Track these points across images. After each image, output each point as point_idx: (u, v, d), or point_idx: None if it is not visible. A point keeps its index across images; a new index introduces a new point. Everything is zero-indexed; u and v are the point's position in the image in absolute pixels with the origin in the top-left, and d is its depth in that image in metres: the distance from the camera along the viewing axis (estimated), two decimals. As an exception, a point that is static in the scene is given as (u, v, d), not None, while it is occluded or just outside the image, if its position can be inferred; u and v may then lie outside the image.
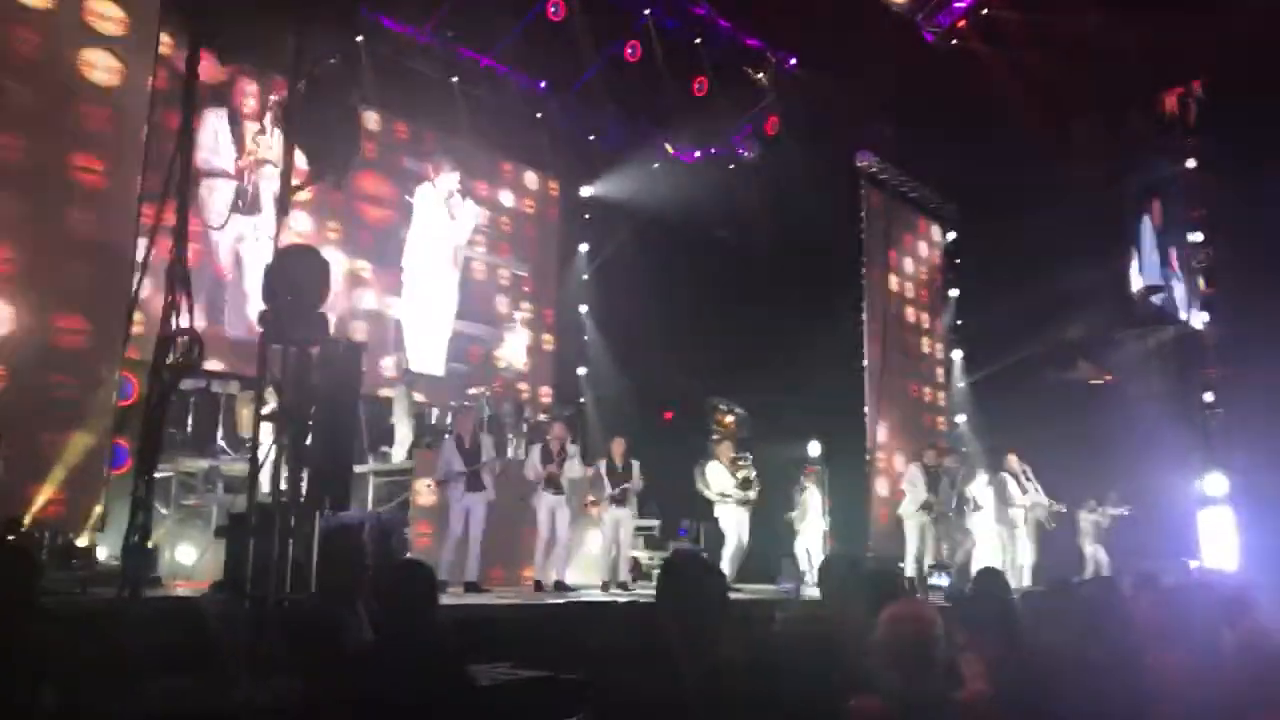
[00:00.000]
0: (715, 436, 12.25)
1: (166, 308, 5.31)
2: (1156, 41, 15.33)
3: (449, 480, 9.55)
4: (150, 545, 6.36)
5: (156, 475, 5.85)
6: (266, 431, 6.22)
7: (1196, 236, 17.48)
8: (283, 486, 5.95)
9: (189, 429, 10.31)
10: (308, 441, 5.95)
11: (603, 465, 10.70)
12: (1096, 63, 15.42)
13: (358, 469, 9.44)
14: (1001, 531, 12.83)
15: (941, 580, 11.09)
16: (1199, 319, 17.16)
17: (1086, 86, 15.79)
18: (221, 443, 10.34)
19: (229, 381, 10.70)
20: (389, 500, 10.84)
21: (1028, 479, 13.25)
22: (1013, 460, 13.17)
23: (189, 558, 8.84)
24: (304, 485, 5.91)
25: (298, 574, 5.78)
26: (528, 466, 10.36)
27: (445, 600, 8.38)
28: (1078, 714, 3.36)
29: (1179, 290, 17.44)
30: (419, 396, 12.27)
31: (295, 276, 5.82)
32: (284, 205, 6.40)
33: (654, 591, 3.21)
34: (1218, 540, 14.99)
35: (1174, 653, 4.15)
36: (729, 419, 12.84)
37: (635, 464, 10.75)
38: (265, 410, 6.20)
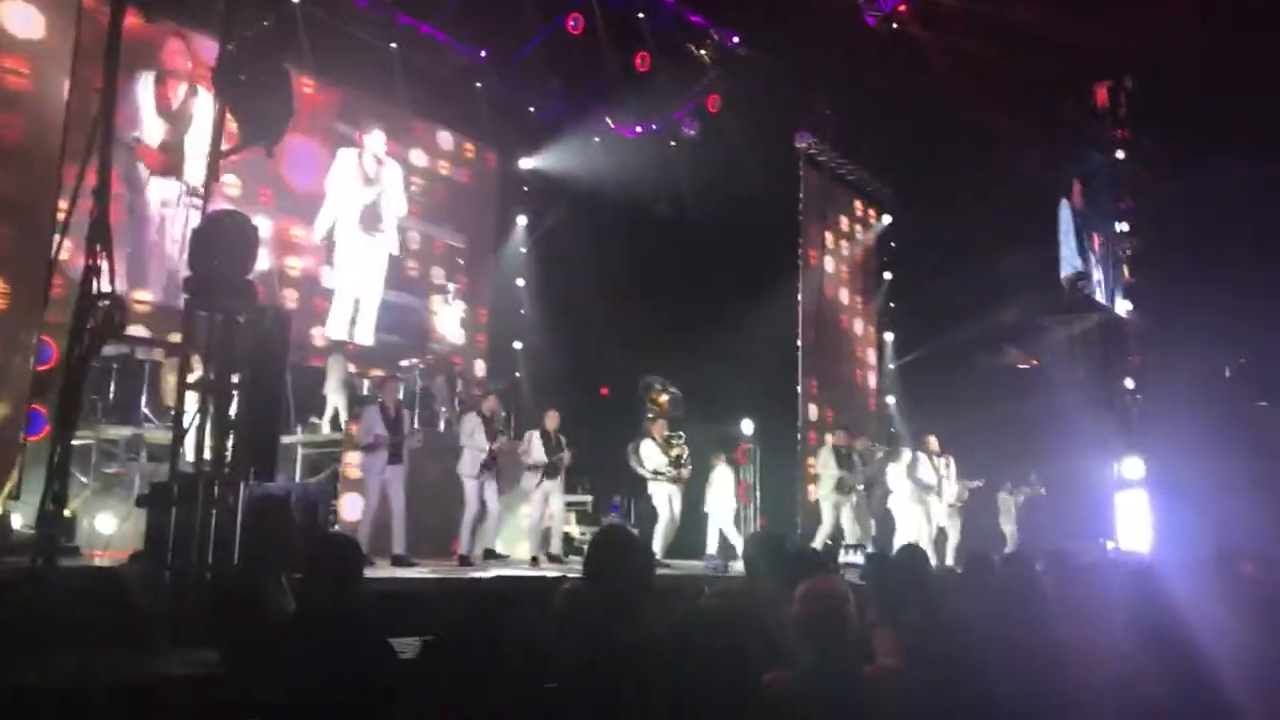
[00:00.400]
0: (650, 414, 12.28)
1: (87, 271, 5.17)
2: (1090, 34, 15.65)
3: (374, 449, 9.41)
4: (67, 513, 6.22)
5: (76, 443, 5.72)
6: (191, 400, 6.10)
7: (1123, 226, 17.94)
8: (207, 456, 5.85)
9: (111, 396, 10.04)
10: (233, 411, 5.86)
11: (536, 435, 10.68)
12: (1032, 53, 15.67)
13: (285, 439, 9.33)
14: (920, 511, 13.09)
15: (857, 558, 11.32)
16: (1123, 307, 17.64)
17: (1022, 76, 16.05)
18: (145, 410, 10.10)
19: (153, 348, 10.43)
20: (317, 471, 10.73)
21: (941, 459, 13.51)
22: (932, 441, 13.44)
23: (109, 527, 8.63)
24: (229, 455, 5.82)
25: (221, 545, 5.70)
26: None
27: (371, 573, 8.38)
28: (988, 687, 3.46)
29: (1101, 278, 17.89)
30: (351, 367, 12.14)
31: (222, 242, 5.70)
32: (213, 169, 6.25)
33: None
34: (1133, 522, 15.50)
35: (1082, 628, 4.31)
36: (664, 398, 12.86)
37: (562, 438, 10.80)
38: (190, 378, 6.09)
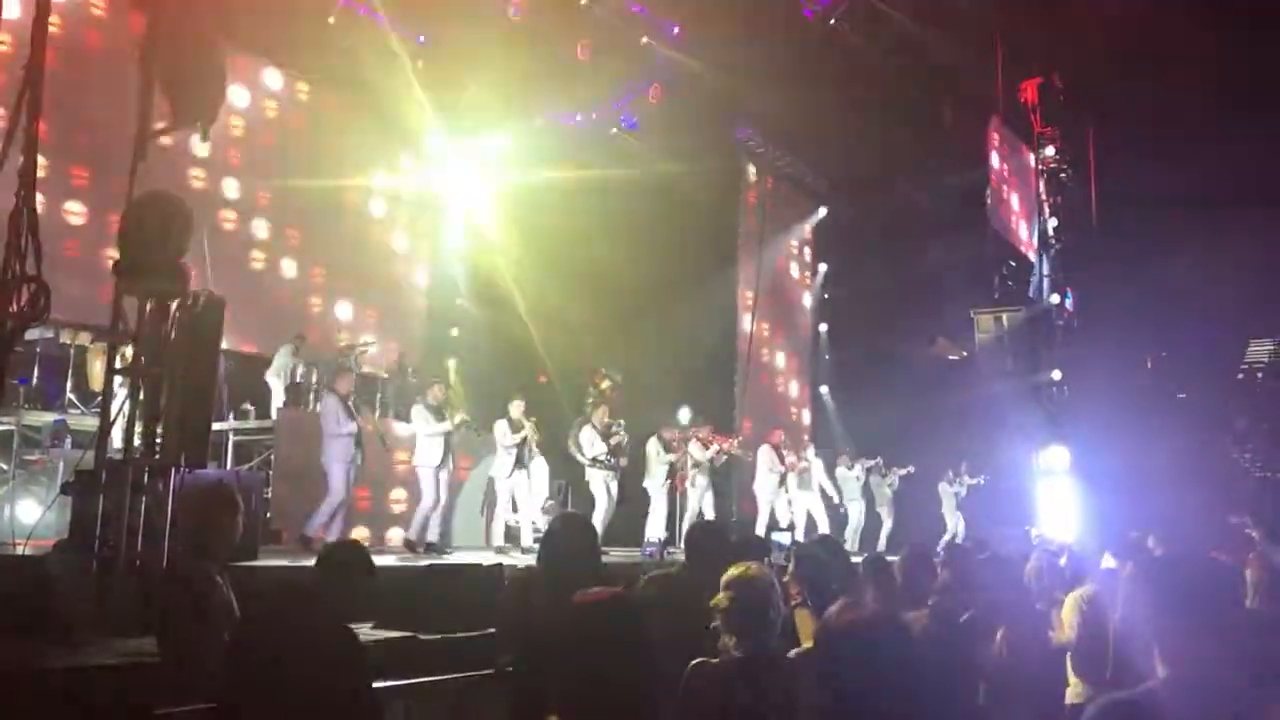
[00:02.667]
0: (590, 400, 12.30)
1: (9, 253, 5.03)
2: (1021, 34, 16.01)
3: (337, 438, 9.26)
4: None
5: (-2, 429, 5.57)
6: (120, 386, 5.98)
7: (1051, 221, 18.40)
8: (136, 443, 5.73)
9: (34, 381, 9.79)
10: (163, 398, 5.75)
11: (504, 425, 10.59)
12: (965, 49, 15.99)
13: (217, 426, 9.16)
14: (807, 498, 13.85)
15: (784, 538, 11.45)
16: (1051, 300, 18.09)
17: (955, 71, 16.37)
18: (71, 396, 9.87)
19: (79, 332, 10.18)
20: (247, 459, 10.57)
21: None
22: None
23: (31, 516, 8.43)
24: (159, 442, 5.71)
25: (150, 533, 5.60)
26: (500, 434, 10.38)
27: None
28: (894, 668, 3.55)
29: (1032, 271, 18.32)
30: (285, 356, 11.89)
31: (153, 225, 5.58)
32: (141, 150, 6.10)
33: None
34: (1057, 509, 15.94)
35: (1006, 613, 4.46)
36: (605, 384, 12.92)
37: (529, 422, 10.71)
38: (119, 364, 5.96)
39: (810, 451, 14.55)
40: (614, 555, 10.44)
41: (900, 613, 3.61)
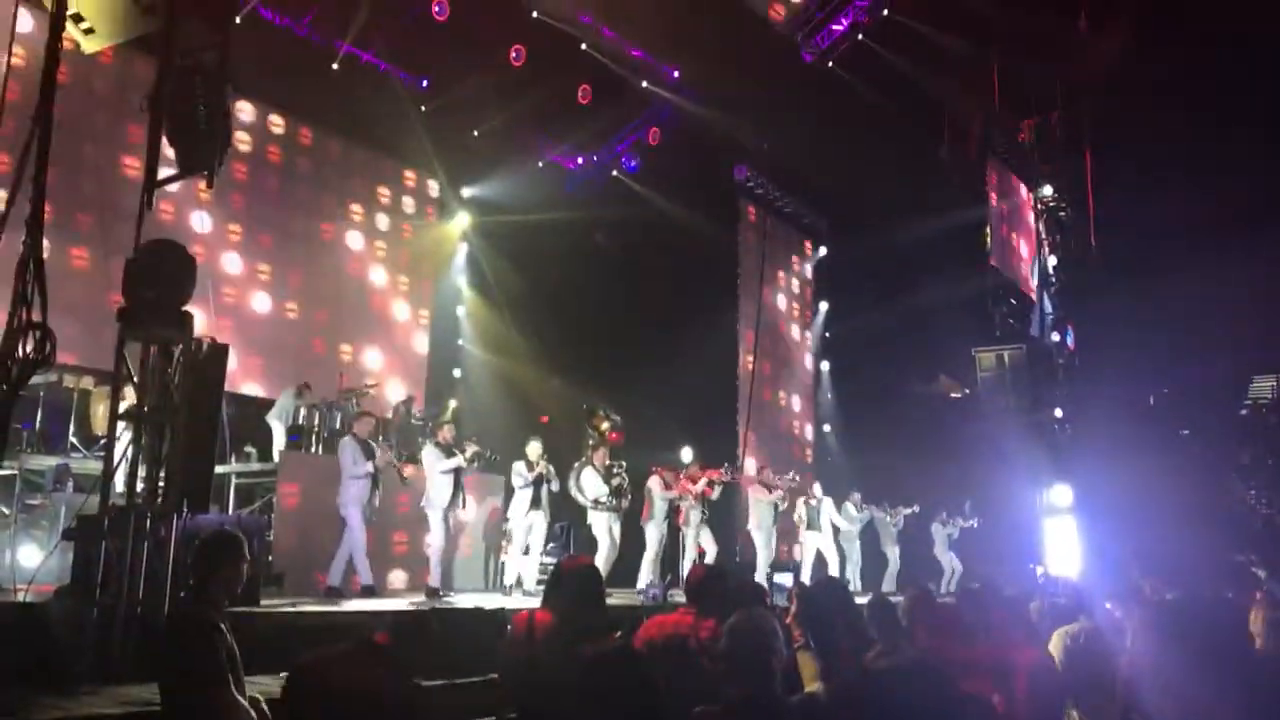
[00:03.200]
0: (591, 441, 12.25)
1: (16, 299, 5.07)
2: (1017, 76, 16.18)
3: (354, 480, 9.26)
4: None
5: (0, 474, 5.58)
6: (123, 430, 5.99)
7: (1051, 259, 18.47)
8: (139, 488, 5.74)
9: (37, 425, 9.79)
10: (167, 442, 5.77)
11: (521, 466, 10.61)
12: (963, 90, 16.16)
13: (218, 469, 9.15)
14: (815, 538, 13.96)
15: (786, 579, 11.35)
16: (1052, 337, 18.12)
17: (953, 112, 16.53)
18: (73, 440, 9.86)
19: (83, 375, 10.20)
20: (249, 502, 10.54)
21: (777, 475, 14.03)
22: (763, 472, 13.85)
23: (32, 560, 8.40)
24: (161, 487, 5.72)
25: (151, 579, 5.60)
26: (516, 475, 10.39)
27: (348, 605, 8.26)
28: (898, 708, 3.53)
29: (1033, 309, 18.36)
30: (287, 399, 11.88)
31: (158, 272, 5.63)
32: (148, 199, 6.17)
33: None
34: (1062, 548, 15.86)
35: (1015, 651, 4.44)
36: (605, 425, 12.88)
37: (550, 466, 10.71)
38: (122, 408, 5.98)
39: (818, 488, 14.49)
40: (613, 598, 10.39)
41: (937, 657, 3.60)
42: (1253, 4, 14.60)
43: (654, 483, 11.77)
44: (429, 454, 10.01)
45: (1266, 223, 14.89)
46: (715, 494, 12.41)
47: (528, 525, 10.49)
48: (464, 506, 10.23)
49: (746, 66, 14.80)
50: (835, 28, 16.23)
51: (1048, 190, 18.33)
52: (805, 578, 12.70)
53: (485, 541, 11.85)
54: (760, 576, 12.47)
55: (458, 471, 9.97)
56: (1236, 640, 4.47)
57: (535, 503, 10.49)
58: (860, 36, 16.21)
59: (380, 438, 12.09)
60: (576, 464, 11.39)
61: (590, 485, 11.14)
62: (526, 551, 10.61)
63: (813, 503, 14.10)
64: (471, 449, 10.27)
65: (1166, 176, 15.45)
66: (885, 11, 15.91)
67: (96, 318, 10.73)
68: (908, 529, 15.50)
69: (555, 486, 10.71)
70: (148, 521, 5.54)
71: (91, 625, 5.37)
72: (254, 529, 8.29)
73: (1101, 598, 7.19)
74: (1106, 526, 14.89)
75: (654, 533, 11.68)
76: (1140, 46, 15.52)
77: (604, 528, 11.05)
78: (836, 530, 14.39)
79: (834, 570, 13.90)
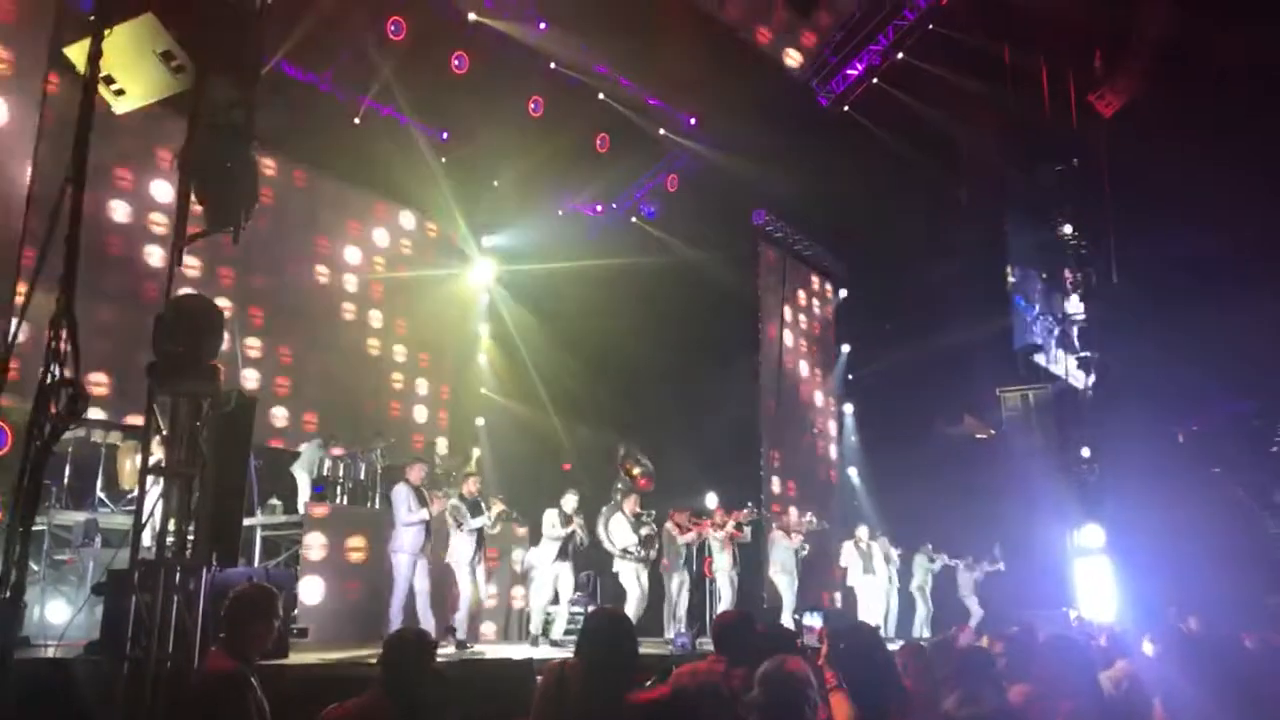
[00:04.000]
0: (620, 486, 12.11)
1: (49, 354, 5.10)
2: (1034, 115, 16.22)
3: (408, 527, 9.26)
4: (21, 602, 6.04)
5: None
6: (151, 484, 5.99)
7: (1074, 298, 18.36)
8: (168, 541, 5.73)
9: (65, 479, 9.84)
10: (195, 495, 5.77)
11: (555, 517, 10.49)
12: (980, 132, 16.21)
13: (245, 522, 9.15)
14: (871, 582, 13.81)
15: (815, 620, 11.19)
16: (1077, 377, 17.97)
17: (970, 152, 16.57)
18: (101, 495, 9.90)
19: (110, 430, 10.27)
20: (275, 553, 10.53)
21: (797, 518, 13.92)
22: (783, 518, 13.73)
23: (60, 616, 8.40)
24: (189, 541, 5.71)
25: (181, 633, 5.57)
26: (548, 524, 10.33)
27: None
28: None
29: (1057, 349, 18.24)
30: (312, 451, 11.89)
31: (188, 326, 5.66)
32: (177, 254, 6.22)
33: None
34: (1095, 589, 15.60)
35: (1056, 700, 4.34)
36: (637, 470, 12.73)
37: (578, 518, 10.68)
38: (151, 462, 5.99)
39: (864, 531, 14.36)
40: (642, 647, 10.25)
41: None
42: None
43: (669, 528, 11.68)
44: (454, 510, 9.95)
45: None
46: (746, 535, 12.29)
47: (554, 574, 10.39)
48: (481, 562, 10.06)
49: (763, 113, 14.93)
50: (850, 72, 16.40)
51: (1067, 229, 18.26)
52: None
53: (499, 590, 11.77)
54: (787, 619, 12.36)
55: (481, 530, 9.92)
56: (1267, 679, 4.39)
57: (563, 553, 10.39)
58: (875, 80, 16.35)
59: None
60: (605, 509, 11.29)
61: (619, 534, 10.97)
62: (555, 600, 10.52)
63: (862, 546, 13.94)
64: (497, 508, 10.19)
65: (1189, 211, 15.38)
66: (900, 55, 16.06)
67: (123, 373, 10.88)
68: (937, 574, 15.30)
69: (585, 542, 10.62)
70: (177, 575, 5.52)
71: (122, 681, 5.33)
72: (282, 582, 8.26)
73: (1139, 639, 7.06)
74: (1140, 567, 14.65)
75: (674, 580, 11.56)
76: (1157, 82, 15.56)
77: (632, 577, 10.89)
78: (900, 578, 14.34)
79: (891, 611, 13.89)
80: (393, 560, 9.26)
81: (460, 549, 9.74)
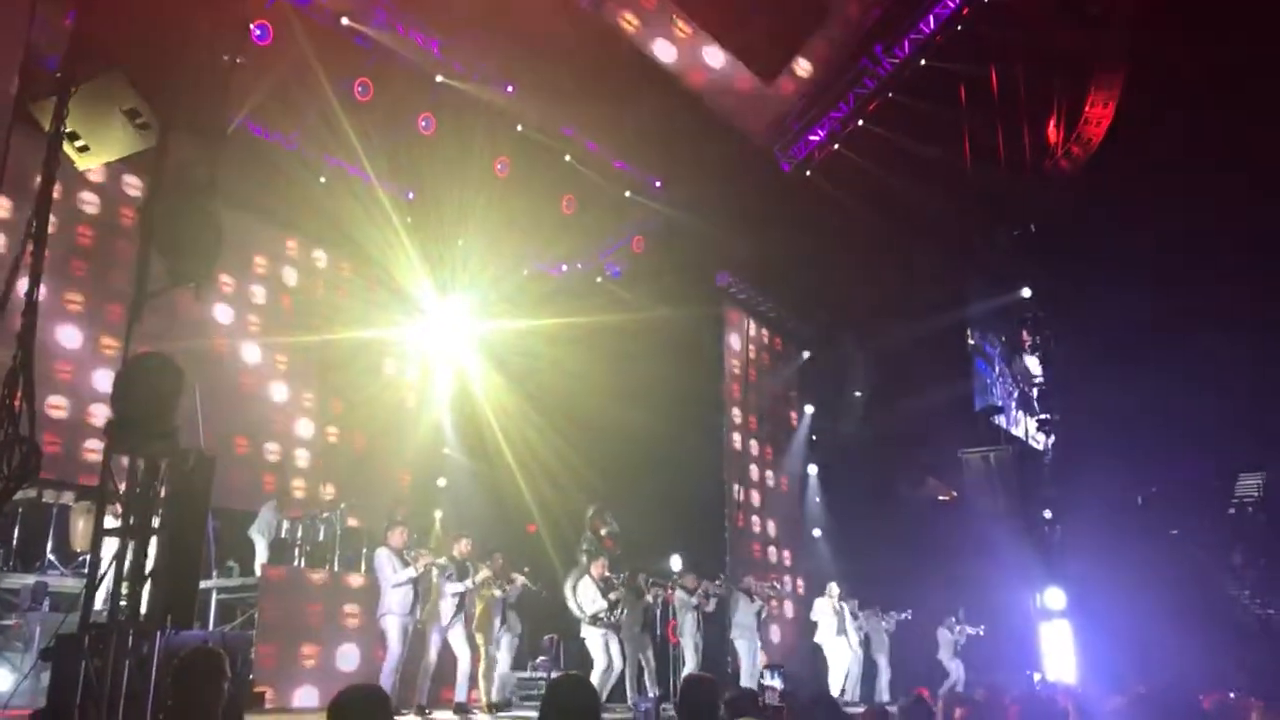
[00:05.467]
0: (587, 548, 11.92)
1: (3, 415, 5.00)
2: (991, 180, 16.59)
3: (395, 588, 9.17)
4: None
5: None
6: (107, 546, 5.85)
7: (1032, 360, 18.65)
8: (122, 604, 5.58)
9: (14, 541, 9.58)
10: (150, 557, 5.63)
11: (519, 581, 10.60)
12: (940, 195, 16.54)
13: (201, 584, 8.94)
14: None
15: (776, 681, 11.07)
16: (1037, 439, 18.17)
17: (930, 218, 16.88)
18: (51, 556, 9.64)
19: (62, 491, 10.03)
20: (230, 617, 10.27)
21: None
22: (744, 580, 13.88)
23: (4, 684, 8.12)
24: (144, 603, 5.56)
25: (132, 700, 5.40)
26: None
27: None
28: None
29: (1017, 410, 18.47)
30: (269, 513, 11.67)
31: (147, 386, 5.58)
32: (137, 310, 6.15)
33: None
34: (1058, 653, 15.61)
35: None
36: (604, 531, 12.56)
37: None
38: (107, 524, 5.85)
39: (834, 588, 14.40)
40: (607, 713, 10.07)
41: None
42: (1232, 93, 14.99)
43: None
44: (442, 566, 9.82)
45: (1245, 320, 15.12)
46: (710, 606, 12.25)
47: (496, 639, 10.41)
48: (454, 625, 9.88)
49: (727, 177, 15.14)
50: (812, 138, 16.68)
51: (1026, 294, 18.59)
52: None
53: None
54: (747, 680, 12.26)
55: (463, 594, 9.80)
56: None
57: (502, 617, 10.46)
58: (836, 146, 16.65)
59: (364, 550, 11.90)
60: (573, 572, 11.12)
61: (587, 599, 10.72)
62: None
63: (835, 605, 13.95)
64: (484, 573, 10.04)
65: (1146, 275, 15.72)
66: (860, 122, 16.38)
67: (77, 432, 10.67)
68: (898, 634, 15.24)
69: (512, 597, 10.62)
70: (130, 639, 5.37)
71: (67, 753, 5.15)
72: (238, 645, 8.07)
73: (1100, 703, 7.05)
74: (1102, 630, 14.70)
75: (630, 646, 11.35)
76: (1114, 146, 15.96)
77: (599, 644, 10.62)
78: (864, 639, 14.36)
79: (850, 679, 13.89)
80: (383, 625, 9.24)
81: (442, 611, 9.63)
